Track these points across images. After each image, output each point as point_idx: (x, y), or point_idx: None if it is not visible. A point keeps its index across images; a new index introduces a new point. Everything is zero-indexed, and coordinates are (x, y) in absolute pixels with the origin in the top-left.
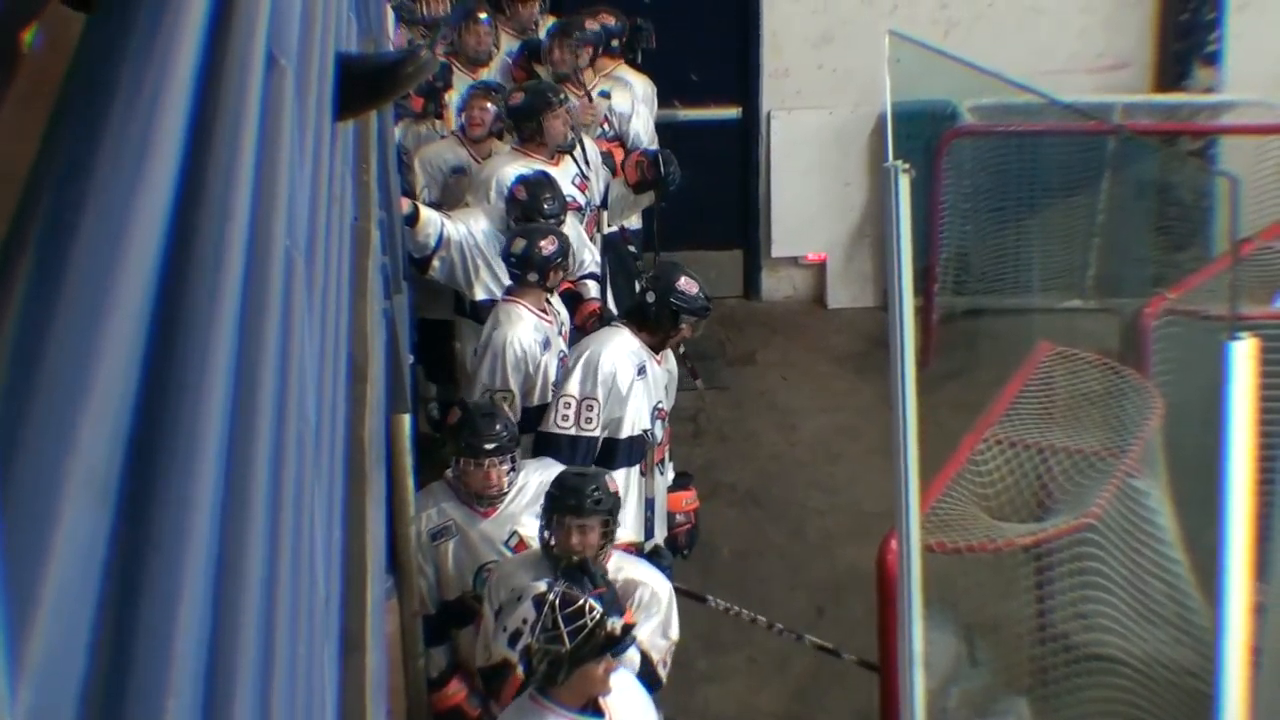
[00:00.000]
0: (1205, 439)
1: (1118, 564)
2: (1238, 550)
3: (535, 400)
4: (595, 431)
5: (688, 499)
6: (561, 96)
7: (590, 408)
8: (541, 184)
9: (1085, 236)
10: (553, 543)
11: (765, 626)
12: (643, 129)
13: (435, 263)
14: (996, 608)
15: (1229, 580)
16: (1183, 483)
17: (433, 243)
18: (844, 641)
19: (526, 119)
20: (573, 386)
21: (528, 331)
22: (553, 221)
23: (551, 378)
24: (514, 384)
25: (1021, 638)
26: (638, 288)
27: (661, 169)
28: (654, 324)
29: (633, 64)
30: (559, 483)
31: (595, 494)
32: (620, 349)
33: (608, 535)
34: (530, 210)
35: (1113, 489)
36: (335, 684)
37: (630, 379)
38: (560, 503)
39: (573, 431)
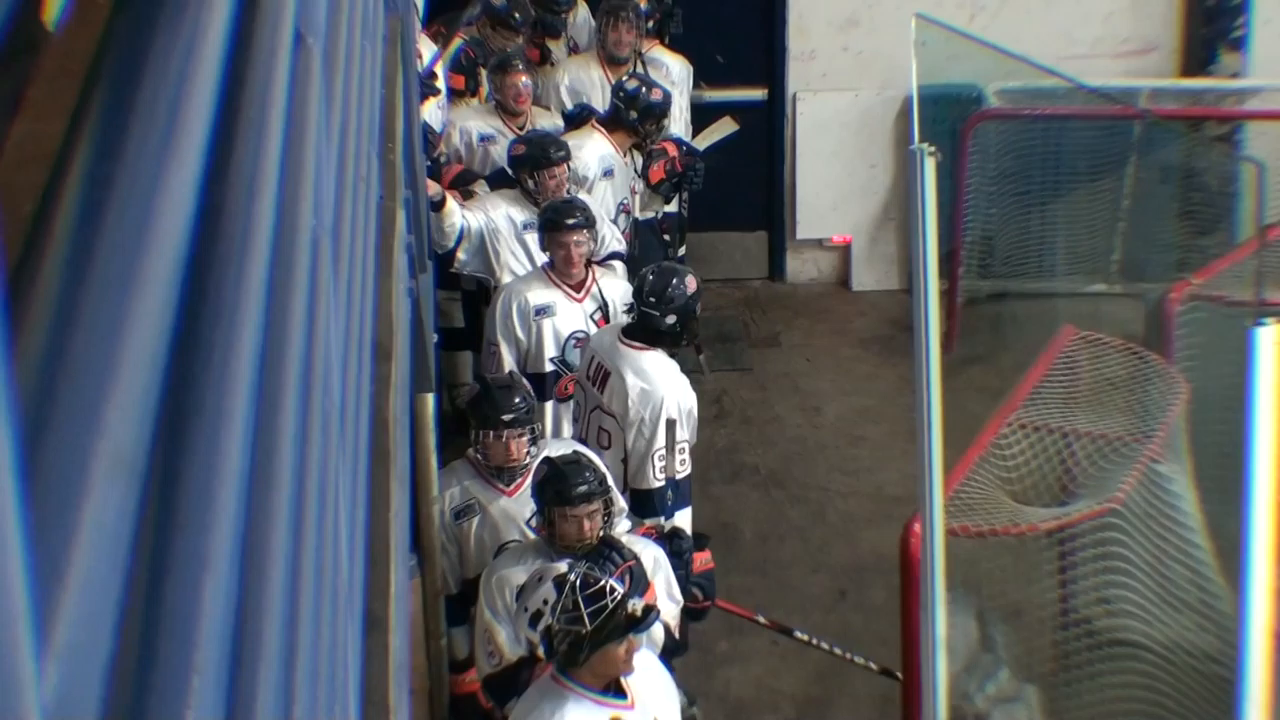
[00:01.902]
0: (1229, 424)
1: (1141, 549)
2: (1261, 536)
3: (530, 367)
4: (689, 470)
5: (703, 560)
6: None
7: (683, 450)
8: (545, 137)
9: (1110, 221)
10: (560, 534)
11: (807, 642)
12: (675, 111)
13: (460, 255)
14: (1019, 592)
15: (1252, 566)
16: (1206, 468)
17: (456, 234)
18: (864, 625)
19: (647, 118)
20: (675, 437)
21: (525, 289)
22: (561, 166)
23: (550, 349)
24: (500, 336)
25: (1044, 622)
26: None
27: (689, 169)
28: (687, 338)
29: (666, 45)
30: (555, 476)
31: (592, 478)
32: (681, 379)
33: (609, 515)
34: (536, 161)
35: (1136, 474)
36: (358, 662)
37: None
38: (564, 494)
39: (678, 477)
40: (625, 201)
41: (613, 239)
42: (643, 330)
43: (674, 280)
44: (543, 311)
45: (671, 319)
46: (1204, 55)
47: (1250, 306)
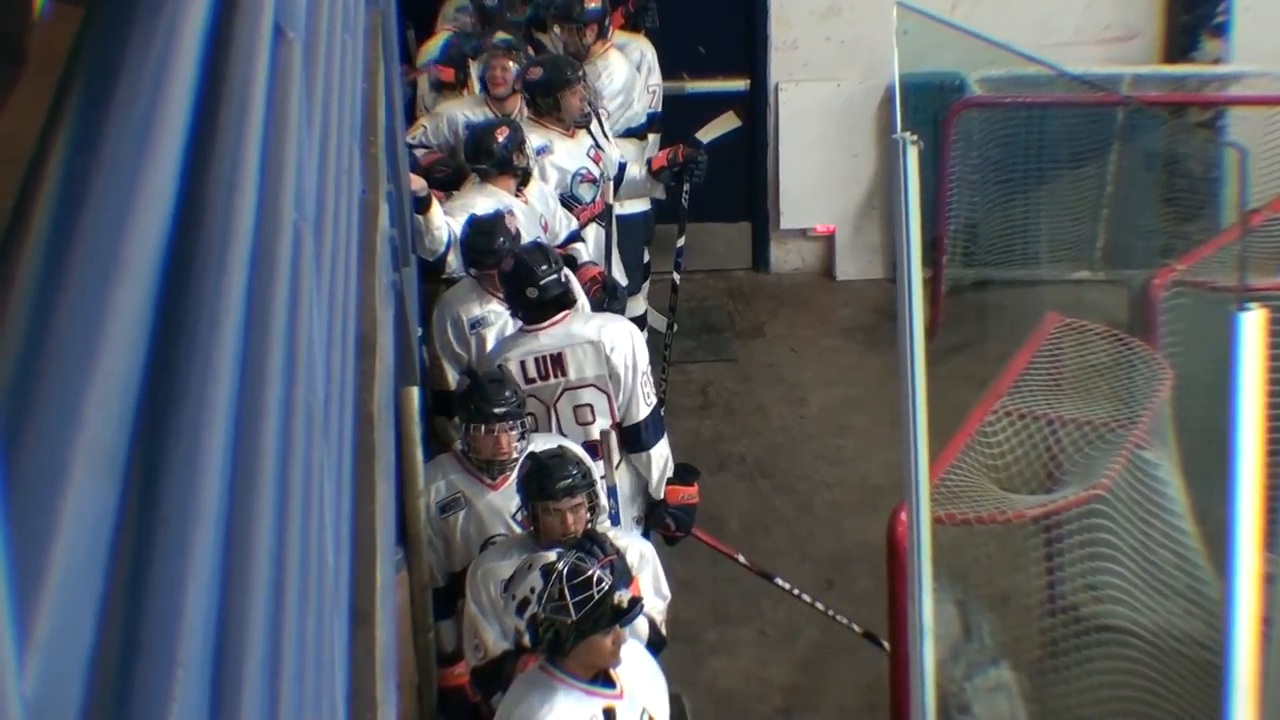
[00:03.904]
0: (1214, 410)
1: (1127, 535)
2: (1247, 521)
3: None
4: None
5: (688, 494)
6: (580, 73)
7: (649, 375)
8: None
9: (1093, 208)
10: (544, 528)
11: (824, 612)
12: (619, 95)
13: (451, 260)
14: (1006, 580)
15: (1238, 551)
16: (1192, 454)
17: (444, 239)
18: (851, 614)
19: (544, 94)
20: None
21: (458, 303)
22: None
23: None
24: (440, 351)
25: (1031, 609)
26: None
27: (690, 163)
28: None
29: (644, 33)
30: (539, 470)
31: (576, 472)
32: (608, 313)
33: (593, 509)
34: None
35: (1122, 460)
36: (345, 657)
37: None
38: (548, 489)
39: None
40: (584, 170)
41: (565, 221)
42: (555, 307)
43: (537, 251)
44: (479, 324)
45: (563, 277)
46: (1186, 42)
47: (1234, 291)
